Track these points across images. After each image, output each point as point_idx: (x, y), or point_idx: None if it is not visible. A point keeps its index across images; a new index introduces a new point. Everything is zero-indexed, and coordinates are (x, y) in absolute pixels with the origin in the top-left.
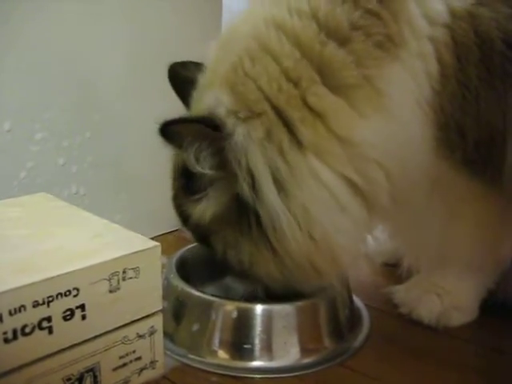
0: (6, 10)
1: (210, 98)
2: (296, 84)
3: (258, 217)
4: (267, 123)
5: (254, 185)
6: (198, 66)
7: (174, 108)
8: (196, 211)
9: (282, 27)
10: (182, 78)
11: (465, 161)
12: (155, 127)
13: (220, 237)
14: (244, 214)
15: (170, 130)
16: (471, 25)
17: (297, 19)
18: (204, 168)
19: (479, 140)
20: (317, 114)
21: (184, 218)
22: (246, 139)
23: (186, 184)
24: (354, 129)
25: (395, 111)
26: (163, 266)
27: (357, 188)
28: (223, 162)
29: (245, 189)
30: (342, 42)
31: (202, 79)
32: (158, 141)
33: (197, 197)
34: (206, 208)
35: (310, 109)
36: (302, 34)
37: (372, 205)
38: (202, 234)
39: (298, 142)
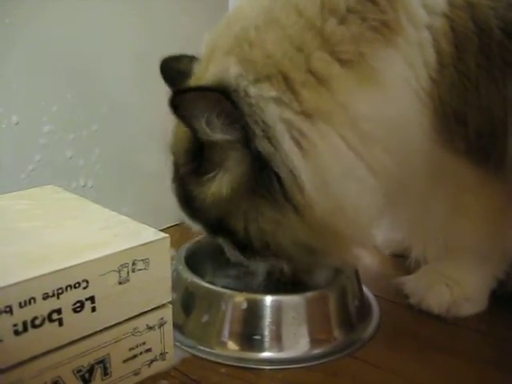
0: (14, 2)
1: (217, 68)
2: (300, 49)
3: (279, 178)
4: (276, 85)
5: (273, 143)
6: (191, 59)
7: None
8: (212, 191)
9: (287, 3)
10: (176, 71)
11: (467, 150)
12: (162, 119)
13: (239, 214)
14: (265, 178)
15: (181, 99)
16: (469, 14)
17: None
18: (218, 135)
19: (480, 129)
20: (320, 79)
21: (194, 208)
22: (260, 99)
23: (197, 166)
24: (354, 98)
25: (389, 90)
26: (172, 258)
27: (363, 156)
28: (239, 127)
29: (265, 147)
30: (341, 20)
31: (201, 61)
32: (164, 133)
33: (211, 175)
34: (222, 183)
35: (314, 73)
36: (306, 8)
37: (381, 182)
38: (217, 218)
39: (302, 105)
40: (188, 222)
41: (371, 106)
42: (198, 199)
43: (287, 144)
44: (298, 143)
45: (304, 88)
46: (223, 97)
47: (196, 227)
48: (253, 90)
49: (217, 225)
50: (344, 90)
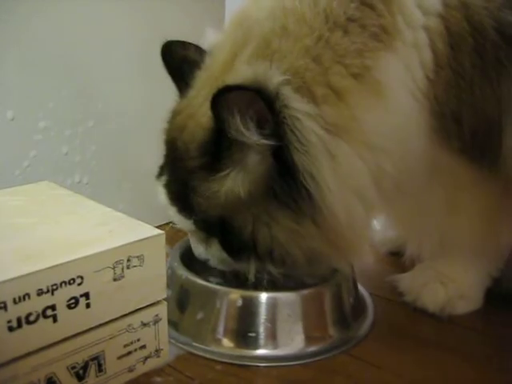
0: (12, 1)
1: (253, 70)
2: (318, 61)
3: (308, 191)
4: (306, 98)
5: (308, 156)
6: (198, 49)
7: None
8: (225, 189)
9: (295, 13)
10: (180, 57)
11: (462, 149)
12: (158, 116)
13: (249, 216)
14: (291, 187)
15: (226, 97)
16: (464, 14)
17: (306, 7)
18: (253, 137)
19: (475, 128)
20: (338, 94)
21: (191, 203)
22: (298, 110)
23: (209, 162)
24: (366, 113)
25: (393, 100)
26: (167, 255)
27: (370, 172)
28: (271, 132)
29: (300, 158)
30: (344, 32)
31: (215, 56)
32: (160, 129)
33: (225, 172)
34: (239, 182)
35: (332, 87)
36: (313, 20)
37: (381, 189)
38: (219, 217)
39: (325, 120)
40: (174, 216)
41: (379, 120)
42: (202, 196)
43: (323, 159)
44: (329, 159)
45: (325, 103)
46: (264, 100)
47: (182, 223)
48: (293, 103)
49: (215, 223)
50: (359, 104)
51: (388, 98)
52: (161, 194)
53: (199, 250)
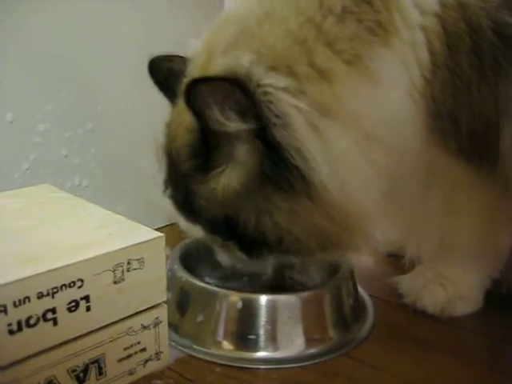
0: (11, 1)
1: (224, 60)
2: (301, 43)
3: (296, 167)
4: (284, 76)
5: (288, 130)
6: (182, 59)
7: None
8: (221, 186)
9: (288, 0)
10: (166, 70)
11: (460, 149)
12: (158, 118)
13: (250, 208)
14: (280, 167)
15: (197, 89)
16: (461, 14)
17: None
18: (232, 125)
19: (473, 129)
20: (321, 73)
21: (196, 208)
22: (272, 88)
23: (202, 162)
24: (354, 95)
25: (385, 91)
26: (167, 258)
27: (364, 151)
28: (252, 116)
29: (281, 135)
30: (339, 20)
31: (196, 59)
32: (160, 131)
33: (219, 170)
34: (233, 177)
35: (315, 67)
36: (306, 6)
37: (378, 171)
38: (223, 216)
39: (307, 97)
40: (185, 226)
41: (370, 105)
42: (203, 197)
43: (303, 130)
44: (311, 131)
45: (307, 81)
46: (237, 86)
47: (194, 231)
48: (265, 80)
49: (222, 223)
50: (344, 86)
51: (381, 86)
52: (170, 207)
53: (223, 257)
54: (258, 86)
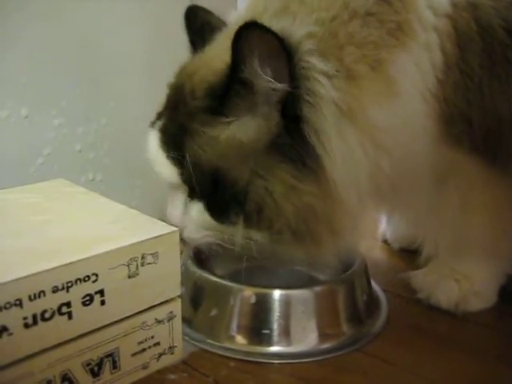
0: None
1: (280, 22)
2: (335, 36)
3: (313, 147)
4: (325, 59)
5: (319, 113)
6: (221, 20)
7: None
8: (227, 135)
9: None
10: (204, 21)
11: (473, 149)
12: None
13: (245, 167)
14: (297, 142)
15: (250, 33)
16: (472, 14)
17: None
18: (266, 81)
19: (486, 129)
20: (349, 73)
21: (183, 148)
22: (315, 66)
23: (216, 105)
24: (375, 105)
25: (403, 100)
26: (181, 252)
27: (371, 159)
28: (289, 82)
29: (310, 113)
30: (363, 22)
31: (241, 20)
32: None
33: (231, 118)
34: (243, 130)
35: (345, 65)
36: (332, 3)
37: (376, 184)
38: (212, 166)
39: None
40: (161, 165)
41: (387, 118)
42: (200, 141)
43: (331, 117)
44: (336, 122)
45: (339, 75)
46: (286, 49)
47: (168, 173)
48: (310, 56)
49: (205, 173)
50: (368, 93)
51: (398, 96)
52: (151, 142)
53: (174, 214)
54: (303, 60)
